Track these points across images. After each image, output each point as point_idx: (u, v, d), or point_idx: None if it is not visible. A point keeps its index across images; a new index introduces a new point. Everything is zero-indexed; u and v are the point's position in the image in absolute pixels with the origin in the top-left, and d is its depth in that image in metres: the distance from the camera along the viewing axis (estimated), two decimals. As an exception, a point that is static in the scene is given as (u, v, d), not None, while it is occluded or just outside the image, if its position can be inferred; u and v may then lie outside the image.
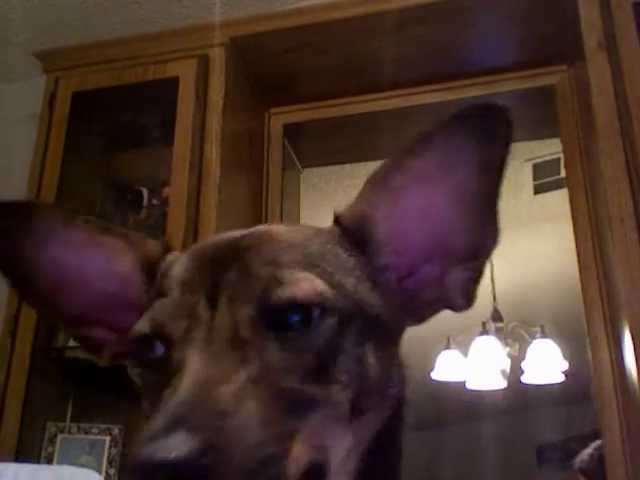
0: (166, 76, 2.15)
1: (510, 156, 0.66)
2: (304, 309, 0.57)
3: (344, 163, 2.93)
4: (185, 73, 2.12)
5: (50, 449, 2.01)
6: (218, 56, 2.15)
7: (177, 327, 0.58)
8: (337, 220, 0.69)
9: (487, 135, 0.65)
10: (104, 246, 0.72)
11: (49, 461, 1.99)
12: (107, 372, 2.03)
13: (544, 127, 2.40)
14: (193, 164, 2.01)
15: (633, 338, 1.54)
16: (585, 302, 1.96)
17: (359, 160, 2.92)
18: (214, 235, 0.70)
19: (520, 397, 4.49)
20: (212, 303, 0.58)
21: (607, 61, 1.78)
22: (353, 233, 0.67)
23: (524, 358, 3.90)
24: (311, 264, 0.61)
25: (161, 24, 2.42)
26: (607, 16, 1.82)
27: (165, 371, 0.57)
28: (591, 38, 1.82)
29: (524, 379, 4.00)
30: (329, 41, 2.20)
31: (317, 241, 0.64)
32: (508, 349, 3.83)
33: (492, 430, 5.18)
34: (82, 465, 1.89)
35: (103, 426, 2.05)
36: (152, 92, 2.20)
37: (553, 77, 2.23)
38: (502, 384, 3.95)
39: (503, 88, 2.28)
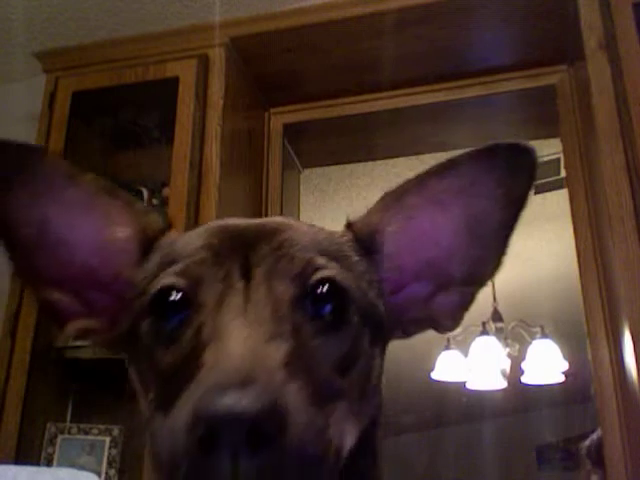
0: (166, 76, 2.15)
1: (531, 194, 0.68)
2: (338, 299, 0.59)
3: (344, 163, 2.93)
4: (185, 73, 2.12)
5: (50, 450, 2.01)
6: (218, 56, 2.15)
7: (210, 290, 0.57)
8: (349, 226, 0.70)
9: (512, 171, 0.66)
10: (104, 209, 0.69)
11: (49, 462, 1.99)
12: (107, 372, 2.04)
13: (544, 127, 2.40)
14: (193, 164, 2.01)
15: (633, 338, 1.54)
16: (585, 302, 1.96)
17: (359, 160, 2.93)
18: (217, 220, 0.69)
19: (520, 397, 4.49)
20: (246, 275, 0.58)
21: (607, 61, 1.78)
22: (363, 242, 0.68)
23: (524, 358, 3.90)
24: (334, 259, 0.62)
25: (161, 24, 2.42)
26: (607, 16, 1.82)
27: (185, 333, 0.56)
28: (591, 38, 1.82)
29: (524, 379, 4.00)
30: (329, 41, 2.20)
31: (333, 240, 0.66)
32: (508, 349, 3.83)
33: (492, 430, 5.18)
34: (82, 466, 1.89)
35: (103, 427, 2.05)
36: (152, 92, 2.20)
37: (553, 77, 2.23)
38: (502, 384, 3.95)
39: (503, 88, 2.28)
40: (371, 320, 0.62)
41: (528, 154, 0.66)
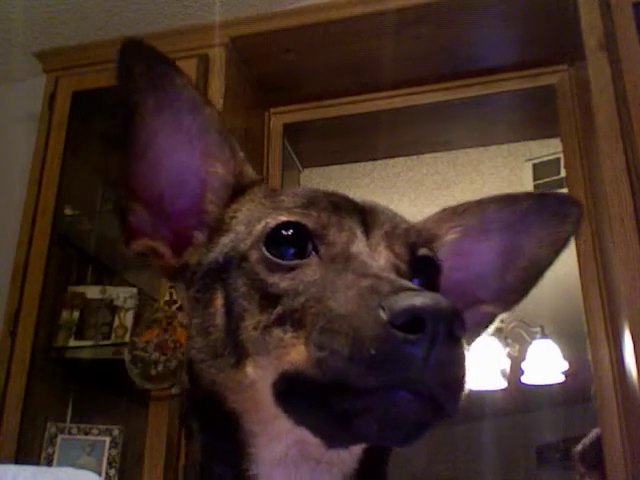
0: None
1: (572, 240, 0.77)
2: (431, 275, 0.66)
3: (344, 163, 2.93)
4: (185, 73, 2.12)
5: (50, 450, 2.01)
6: (218, 56, 2.15)
7: (337, 234, 0.62)
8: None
9: (562, 217, 0.75)
10: (212, 145, 0.73)
11: (49, 462, 1.99)
12: (107, 372, 2.04)
13: (544, 127, 2.40)
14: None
15: (633, 338, 1.54)
16: (585, 302, 1.96)
17: (359, 160, 2.93)
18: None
19: (520, 397, 4.49)
20: (366, 233, 0.63)
21: (607, 61, 1.78)
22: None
23: (524, 358, 3.90)
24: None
25: (161, 24, 2.42)
26: (607, 16, 1.82)
27: (310, 264, 0.61)
28: (591, 38, 1.82)
29: (524, 379, 4.00)
30: (329, 41, 2.20)
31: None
32: (508, 349, 3.83)
33: (492, 430, 5.18)
34: (82, 466, 1.89)
35: (103, 427, 2.05)
36: (152, 92, 2.20)
37: (553, 77, 2.23)
38: (502, 384, 3.95)
39: (503, 88, 2.28)
40: None
41: (577, 206, 0.76)
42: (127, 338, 1.97)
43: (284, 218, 0.63)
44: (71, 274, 2.25)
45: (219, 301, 0.65)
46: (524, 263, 0.75)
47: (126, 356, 1.82)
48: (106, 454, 2.00)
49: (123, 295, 2.12)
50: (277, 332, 0.58)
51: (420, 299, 0.50)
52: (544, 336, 3.79)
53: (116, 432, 2.03)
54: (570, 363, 3.74)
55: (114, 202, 0.74)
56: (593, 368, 1.90)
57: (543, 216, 0.75)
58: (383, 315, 0.50)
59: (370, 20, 2.11)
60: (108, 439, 2.02)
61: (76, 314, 2.10)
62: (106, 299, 2.13)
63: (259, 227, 0.64)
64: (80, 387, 2.16)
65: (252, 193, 0.71)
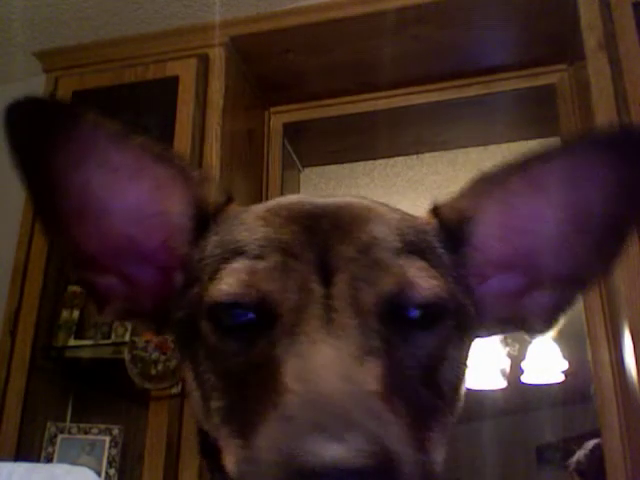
0: (166, 76, 2.15)
1: None
2: (431, 310, 0.52)
3: (344, 163, 2.93)
4: (185, 73, 2.12)
5: (50, 449, 2.01)
6: (218, 56, 2.15)
7: (285, 301, 0.50)
8: (435, 211, 0.61)
9: (631, 158, 0.58)
10: (154, 178, 0.60)
11: (49, 461, 1.98)
12: (107, 372, 2.04)
13: (544, 127, 2.40)
14: (193, 163, 2.00)
15: (633, 338, 1.54)
16: (585, 302, 1.96)
17: (359, 160, 2.93)
18: (282, 198, 0.62)
19: (520, 397, 4.49)
20: (326, 279, 0.51)
21: (607, 61, 1.78)
22: (450, 230, 0.59)
23: (524, 358, 3.90)
24: (421, 255, 0.55)
25: (161, 24, 2.42)
26: (607, 16, 1.82)
27: (257, 344, 0.50)
28: (591, 38, 1.82)
29: (524, 379, 4.01)
30: (329, 41, 2.20)
31: (418, 229, 0.57)
32: (508, 349, 3.83)
33: (492, 430, 5.18)
34: (82, 465, 1.89)
35: (103, 426, 2.05)
36: (152, 92, 2.20)
37: (553, 76, 2.23)
38: (502, 384, 3.95)
39: (503, 88, 2.28)
40: (461, 323, 0.55)
41: None
42: (127, 337, 1.97)
43: (227, 289, 0.52)
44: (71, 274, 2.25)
45: (189, 371, 0.57)
46: (596, 224, 0.59)
47: (126, 355, 1.82)
48: (106, 454, 2.00)
49: (123, 295, 2.12)
50: (229, 438, 0.49)
51: (316, 450, 0.39)
52: (544, 336, 3.79)
53: (116, 432, 2.03)
54: (570, 363, 3.74)
55: (79, 281, 0.65)
56: (593, 368, 1.90)
57: (608, 160, 0.57)
58: (282, 470, 0.39)
59: (370, 20, 2.11)
60: (108, 439, 2.02)
61: (76, 313, 2.10)
62: (106, 299, 2.12)
63: (207, 290, 0.54)
64: (80, 387, 2.16)
65: (217, 224, 0.59)
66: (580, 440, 2.74)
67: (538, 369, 3.86)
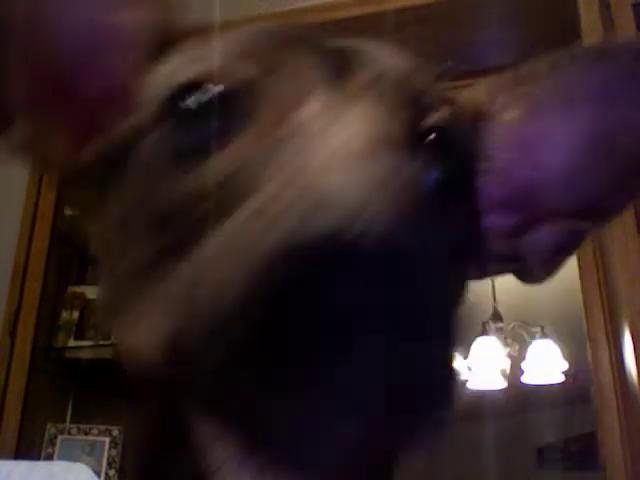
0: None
1: None
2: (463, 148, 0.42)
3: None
4: (185, 73, 2.12)
5: (50, 450, 2.01)
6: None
7: (281, 87, 0.37)
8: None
9: None
10: None
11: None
12: (107, 372, 2.04)
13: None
14: None
15: (633, 338, 1.54)
16: (585, 302, 1.95)
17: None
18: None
19: (520, 397, 4.49)
20: (337, 79, 0.38)
21: (607, 61, 1.78)
22: (460, 124, 0.46)
23: (524, 358, 3.90)
24: None
25: (161, 24, 2.42)
26: (607, 16, 1.82)
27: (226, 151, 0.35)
28: (591, 38, 1.82)
29: (524, 379, 4.00)
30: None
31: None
32: (508, 349, 3.83)
33: (492, 430, 5.18)
34: (82, 465, 1.89)
35: (103, 427, 2.05)
36: (152, 92, 2.20)
37: (553, 77, 2.23)
38: (502, 384, 3.95)
39: (503, 88, 2.28)
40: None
41: None
42: (127, 338, 1.96)
43: (189, 74, 0.39)
44: (71, 274, 2.25)
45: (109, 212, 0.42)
46: (627, 150, 0.48)
47: (126, 356, 1.82)
48: (106, 454, 2.00)
49: (123, 295, 2.12)
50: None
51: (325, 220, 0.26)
52: (544, 336, 3.79)
53: (116, 432, 2.03)
54: (570, 363, 3.74)
55: None
56: (593, 368, 1.90)
57: None
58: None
59: (370, 20, 2.11)
60: (108, 440, 2.02)
61: (76, 314, 2.10)
62: (106, 299, 2.12)
63: (158, 92, 0.40)
64: (80, 387, 2.16)
65: (185, 45, 0.47)
66: (580, 440, 2.74)
67: (538, 369, 3.86)
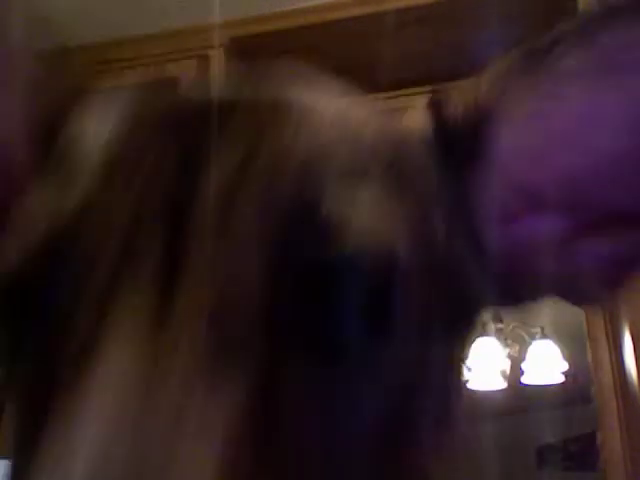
0: (166, 76, 2.15)
1: None
2: (372, 286, 0.30)
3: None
4: (185, 73, 2.12)
5: (50, 449, 2.01)
6: (218, 56, 2.15)
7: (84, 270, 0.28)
8: (435, 108, 0.41)
9: None
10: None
11: (49, 461, 1.99)
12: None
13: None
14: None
15: (633, 339, 1.54)
16: (585, 302, 1.95)
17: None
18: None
19: (520, 398, 4.49)
20: (171, 260, 0.28)
21: (607, 61, 1.78)
22: (459, 137, 0.38)
23: (524, 359, 3.90)
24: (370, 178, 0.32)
25: (161, 24, 2.42)
26: (607, 16, 1.82)
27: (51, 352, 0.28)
28: (591, 38, 1.82)
29: (524, 380, 4.01)
30: (329, 41, 2.20)
31: (387, 138, 0.35)
32: (508, 350, 3.83)
33: (492, 431, 5.18)
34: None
35: (103, 426, 2.05)
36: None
37: (553, 77, 2.23)
38: (502, 385, 3.95)
39: (503, 88, 2.28)
40: (449, 299, 0.34)
41: None
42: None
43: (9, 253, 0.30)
44: None
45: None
46: None
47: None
48: (106, 454, 2.00)
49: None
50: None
51: None
52: (544, 337, 3.79)
53: (116, 432, 2.03)
54: (570, 363, 3.74)
55: None
56: (593, 369, 1.90)
57: None
58: None
59: (370, 20, 2.11)
60: (108, 439, 2.02)
61: None
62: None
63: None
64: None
65: (63, 135, 0.35)
66: (580, 441, 2.74)
67: (538, 370, 3.86)
